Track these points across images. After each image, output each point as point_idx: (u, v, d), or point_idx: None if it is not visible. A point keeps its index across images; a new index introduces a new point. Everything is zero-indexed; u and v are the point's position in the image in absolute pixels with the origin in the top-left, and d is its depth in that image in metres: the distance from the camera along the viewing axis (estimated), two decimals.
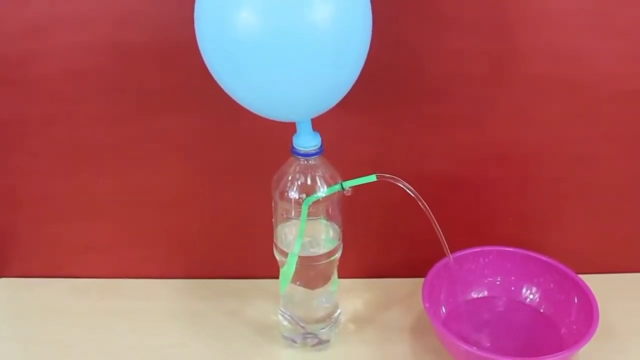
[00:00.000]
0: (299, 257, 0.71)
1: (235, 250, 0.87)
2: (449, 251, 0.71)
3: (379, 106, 0.78)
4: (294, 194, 0.70)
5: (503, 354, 0.67)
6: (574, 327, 0.74)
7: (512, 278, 0.81)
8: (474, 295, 0.81)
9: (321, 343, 0.77)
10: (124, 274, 0.89)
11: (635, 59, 0.76)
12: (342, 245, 0.74)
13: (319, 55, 0.59)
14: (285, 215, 0.72)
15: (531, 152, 0.81)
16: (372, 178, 0.67)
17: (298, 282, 0.74)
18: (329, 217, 0.73)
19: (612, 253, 0.87)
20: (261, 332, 0.80)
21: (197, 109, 0.79)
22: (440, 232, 0.69)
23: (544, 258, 0.79)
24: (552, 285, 0.79)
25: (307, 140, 0.68)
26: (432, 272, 0.76)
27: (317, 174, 0.70)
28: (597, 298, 0.73)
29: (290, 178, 0.70)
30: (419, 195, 0.67)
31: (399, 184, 0.67)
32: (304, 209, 0.68)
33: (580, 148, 0.81)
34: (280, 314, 0.78)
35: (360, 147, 0.81)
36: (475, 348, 0.67)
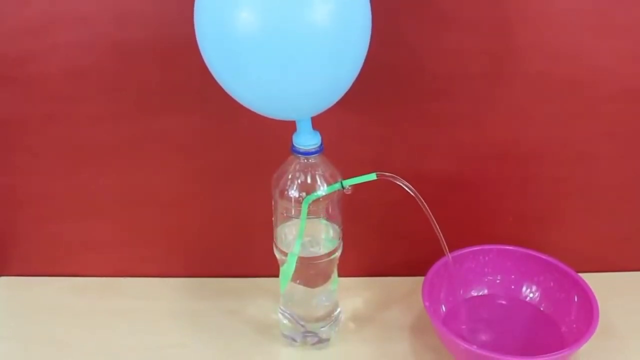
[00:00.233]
0: (299, 256, 0.71)
1: (235, 249, 0.87)
2: (447, 250, 0.71)
3: (378, 105, 0.78)
4: (294, 193, 0.70)
5: (503, 353, 0.67)
6: (574, 325, 0.74)
7: (512, 277, 0.81)
8: (474, 293, 0.81)
9: (321, 342, 0.77)
10: (124, 273, 0.89)
11: (635, 58, 0.76)
12: (342, 244, 0.75)
13: (318, 54, 0.59)
14: (285, 214, 0.72)
15: (531, 151, 0.81)
16: (372, 177, 0.67)
17: (298, 281, 0.74)
18: (329, 217, 0.73)
19: (612, 252, 0.87)
20: (261, 330, 0.80)
21: (197, 108, 0.79)
22: (439, 231, 0.69)
23: (544, 257, 0.79)
24: (552, 284, 0.79)
25: (307, 139, 0.68)
26: (432, 271, 0.76)
27: (317, 172, 0.70)
28: (597, 297, 0.73)
29: (290, 177, 0.70)
30: (418, 194, 0.67)
31: (398, 183, 0.67)
32: (304, 208, 0.68)
33: (581, 147, 0.81)
34: (281, 313, 0.78)
35: (360, 145, 0.81)
36: (475, 347, 0.67)
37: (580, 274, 0.76)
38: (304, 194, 0.69)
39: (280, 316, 0.78)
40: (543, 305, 0.79)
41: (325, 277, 0.75)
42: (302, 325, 0.76)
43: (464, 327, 0.75)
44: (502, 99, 0.78)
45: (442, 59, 0.76)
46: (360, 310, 0.83)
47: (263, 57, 0.58)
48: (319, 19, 0.58)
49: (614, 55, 0.76)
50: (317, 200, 0.69)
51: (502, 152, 0.81)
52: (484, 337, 0.76)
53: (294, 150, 0.69)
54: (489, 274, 0.81)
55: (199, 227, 0.87)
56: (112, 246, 0.88)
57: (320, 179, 0.70)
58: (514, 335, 0.77)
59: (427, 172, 0.82)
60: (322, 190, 0.69)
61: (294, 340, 0.77)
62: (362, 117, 0.79)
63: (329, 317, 0.77)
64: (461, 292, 0.80)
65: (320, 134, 0.69)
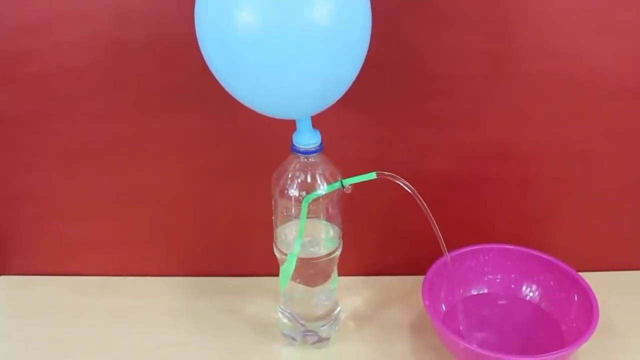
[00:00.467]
0: (299, 257, 0.71)
1: (235, 248, 0.87)
2: (445, 249, 0.71)
3: (379, 104, 0.78)
4: (294, 192, 0.70)
5: (503, 352, 0.67)
6: (574, 324, 0.74)
7: (512, 276, 0.81)
8: (474, 292, 0.81)
9: (321, 341, 0.77)
10: (124, 272, 0.89)
11: (635, 57, 0.76)
12: (342, 243, 0.75)
13: (319, 53, 0.59)
14: (285, 214, 0.72)
15: (531, 150, 0.81)
16: (372, 176, 0.67)
17: (298, 280, 0.74)
18: (329, 217, 0.73)
19: (612, 251, 0.87)
20: (261, 329, 0.80)
21: (197, 107, 0.79)
22: (438, 230, 0.69)
23: (544, 256, 0.79)
24: (552, 283, 0.79)
25: (307, 138, 0.68)
26: (432, 270, 0.76)
27: (317, 171, 0.70)
28: (597, 296, 0.73)
29: (290, 176, 0.70)
30: (417, 193, 0.67)
31: (398, 182, 0.67)
32: (304, 207, 0.68)
33: (580, 146, 0.81)
34: (280, 312, 0.78)
35: (360, 145, 0.81)
36: (474, 346, 0.67)
37: (580, 273, 0.76)
38: (304, 193, 0.69)
39: (280, 315, 0.78)
40: (543, 304, 0.79)
41: (325, 276, 0.75)
42: (302, 324, 0.76)
43: (463, 326, 0.75)
44: (502, 99, 0.78)
45: (442, 59, 0.76)
46: (360, 310, 0.83)
47: (263, 56, 0.58)
48: (319, 18, 0.58)
49: (614, 54, 0.76)
50: (317, 199, 0.69)
51: (502, 152, 0.82)
52: (483, 336, 0.76)
53: (294, 149, 0.69)
54: (489, 273, 0.81)
55: (199, 226, 0.87)
56: (112, 245, 0.88)
57: (320, 178, 0.70)
58: (514, 335, 0.77)
59: (427, 171, 0.82)
60: (322, 189, 0.69)
61: (293, 339, 0.77)
62: (362, 117, 0.79)
63: (328, 316, 0.77)
64: (461, 291, 0.80)
65: (321, 133, 0.69)
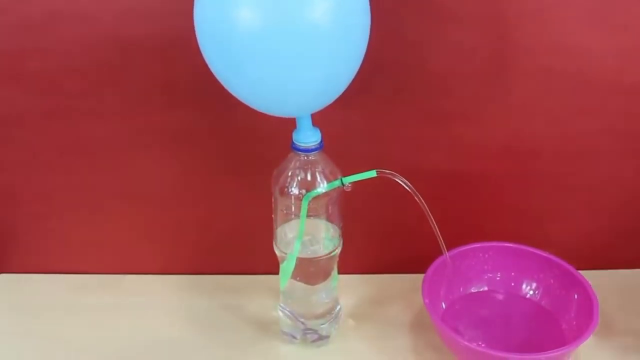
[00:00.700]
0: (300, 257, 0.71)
1: (235, 246, 0.87)
2: (444, 247, 0.71)
3: (379, 102, 0.78)
4: (294, 190, 0.70)
5: (503, 350, 0.67)
6: (574, 323, 0.74)
7: (512, 274, 0.81)
8: (474, 290, 0.81)
9: (321, 339, 0.77)
10: (124, 269, 0.89)
11: (636, 54, 0.76)
12: (342, 242, 0.74)
13: (318, 51, 0.59)
14: (285, 212, 0.72)
15: (532, 148, 0.81)
16: (372, 174, 0.67)
17: (298, 278, 0.74)
18: (329, 217, 0.73)
19: (613, 249, 0.87)
20: (261, 327, 0.80)
21: (197, 105, 0.79)
22: (437, 229, 0.69)
23: (544, 254, 0.79)
24: (552, 281, 0.79)
25: (307, 136, 0.68)
26: (432, 268, 0.76)
27: (317, 169, 0.70)
28: (597, 294, 0.73)
29: (290, 174, 0.70)
30: (416, 191, 0.67)
31: (398, 180, 0.67)
32: (304, 205, 0.68)
33: (581, 144, 0.81)
34: (280, 310, 0.78)
35: (361, 142, 0.80)
36: (474, 344, 0.67)
37: (581, 271, 0.76)
38: (304, 191, 0.69)
39: (280, 313, 0.78)
40: (543, 302, 0.79)
41: (325, 275, 0.75)
42: (302, 323, 0.76)
43: (463, 324, 0.76)
44: (502, 96, 0.78)
45: (443, 55, 0.76)
46: (360, 308, 0.83)
47: (262, 54, 0.58)
48: (317, 16, 0.58)
49: (616, 51, 0.75)
50: (317, 197, 0.69)
51: (503, 149, 0.81)
52: (483, 334, 0.76)
53: (294, 147, 0.69)
54: (488, 271, 0.81)
55: (199, 224, 0.87)
56: (112, 243, 0.88)
57: (320, 176, 0.70)
58: (513, 333, 0.77)
59: (427, 169, 0.82)
60: (322, 187, 0.69)
61: (293, 337, 0.77)
62: (362, 114, 0.79)
63: (329, 314, 0.77)
64: (461, 289, 0.80)
65: (321, 131, 0.69)
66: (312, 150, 0.68)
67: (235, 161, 0.82)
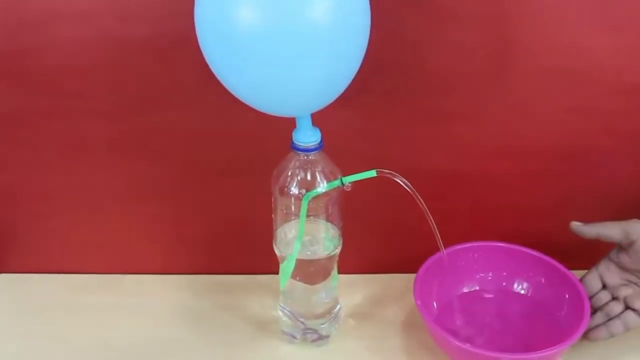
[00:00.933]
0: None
1: (235, 245, 0.87)
2: (442, 246, 0.71)
3: (379, 102, 0.78)
4: (294, 190, 0.70)
5: (494, 349, 0.67)
6: (565, 322, 0.74)
7: (504, 273, 0.81)
8: (465, 290, 0.82)
9: (321, 338, 0.77)
10: (124, 269, 0.89)
11: (636, 53, 0.76)
12: (342, 241, 0.74)
13: (318, 51, 0.59)
14: (285, 212, 0.72)
15: (532, 147, 0.81)
16: (372, 173, 0.67)
17: (298, 278, 0.74)
18: (329, 216, 0.73)
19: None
20: (261, 327, 0.80)
21: (197, 104, 0.79)
22: (435, 228, 0.69)
23: (534, 253, 0.79)
24: (543, 280, 0.79)
25: (307, 136, 0.68)
26: (423, 269, 0.76)
27: (317, 169, 0.70)
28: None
29: (290, 173, 0.70)
30: (415, 191, 0.67)
31: (397, 180, 0.67)
32: (304, 205, 0.68)
33: (580, 142, 0.81)
34: (280, 310, 0.78)
35: (360, 142, 0.80)
36: (468, 345, 0.67)
37: (581, 271, 0.76)
38: (303, 190, 0.69)
39: (280, 313, 0.78)
40: (534, 301, 0.80)
41: (325, 274, 0.75)
42: (302, 322, 0.76)
43: (456, 324, 0.76)
44: (502, 96, 0.78)
45: (442, 54, 0.76)
46: (360, 307, 0.83)
47: (262, 53, 0.58)
48: (318, 15, 0.58)
49: (615, 51, 0.75)
50: (317, 197, 0.69)
51: (503, 148, 0.81)
52: (476, 334, 0.76)
53: (293, 147, 0.69)
54: (480, 271, 0.82)
55: (199, 224, 0.87)
56: (112, 243, 0.88)
57: (320, 176, 0.70)
58: (505, 331, 0.77)
59: (427, 168, 0.82)
60: (322, 187, 0.69)
61: (293, 337, 0.77)
62: (362, 114, 0.79)
63: (328, 314, 0.77)
64: (453, 289, 0.80)
65: (320, 131, 0.69)
66: (312, 150, 0.68)
67: (235, 161, 0.82)
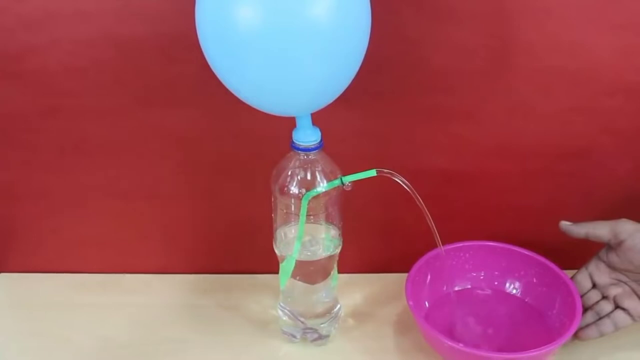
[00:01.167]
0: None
1: (234, 244, 0.87)
2: (441, 245, 0.71)
3: (379, 101, 0.78)
4: (293, 189, 0.70)
5: (486, 348, 0.68)
6: (557, 321, 0.75)
7: (496, 273, 0.82)
8: (458, 289, 0.82)
9: (321, 338, 0.77)
10: (124, 268, 0.89)
11: (636, 53, 0.76)
12: (341, 241, 0.75)
13: (318, 50, 0.59)
14: (285, 211, 0.72)
15: (532, 146, 0.81)
16: (372, 173, 0.67)
17: (298, 277, 0.74)
18: (329, 218, 0.73)
19: None
20: (261, 327, 0.80)
21: (197, 104, 0.79)
22: (434, 227, 0.69)
23: (526, 252, 0.79)
24: (535, 280, 0.79)
25: (306, 135, 0.68)
26: (414, 269, 0.77)
27: (316, 168, 0.70)
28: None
29: (290, 173, 0.70)
30: (414, 190, 0.67)
31: (396, 179, 0.67)
32: (304, 204, 0.68)
33: (580, 142, 0.81)
34: (280, 309, 0.78)
35: (360, 141, 0.80)
36: (461, 345, 0.67)
37: (575, 271, 0.77)
38: (303, 190, 0.69)
39: (280, 312, 0.78)
40: (526, 300, 0.80)
41: (325, 274, 0.75)
42: (302, 322, 0.76)
43: (447, 323, 0.76)
44: (502, 95, 0.78)
45: (442, 53, 0.76)
46: (360, 307, 0.83)
47: (263, 53, 0.58)
48: (318, 15, 0.58)
49: (615, 50, 0.75)
50: (317, 197, 0.69)
51: (502, 148, 0.81)
52: (468, 333, 0.76)
53: (293, 146, 0.69)
54: (472, 270, 0.82)
55: (199, 223, 0.87)
56: (111, 242, 0.88)
57: (320, 175, 0.70)
58: (498, 331, 0.77)
59: (427, 167, 0.82)
60: (322, 186, 0.69)
61: (293, 336, 0.77)
62: (362, 113, 0.79)
63: (328, 313, 0.77)
64: (445, 288, 0.80)
65: (320, 130, 0.69)
66: (312, 149, 0.68)
67: (235, 160, 0.82)
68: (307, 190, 0.69)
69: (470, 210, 0.85)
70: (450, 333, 0.75)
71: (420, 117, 0.80)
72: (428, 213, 0.68)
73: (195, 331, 0.80)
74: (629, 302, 0.72)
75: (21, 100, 0.79)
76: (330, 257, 0.74)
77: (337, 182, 0.69)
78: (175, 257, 0.89)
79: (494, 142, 0.81)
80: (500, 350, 0.71)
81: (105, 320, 0.81)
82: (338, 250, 0.74)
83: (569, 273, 0.76)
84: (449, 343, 0.67)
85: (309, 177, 0.70)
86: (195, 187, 0.84)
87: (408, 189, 0.67)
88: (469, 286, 0.82)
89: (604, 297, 0.74)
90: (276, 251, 0.74)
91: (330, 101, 0.65)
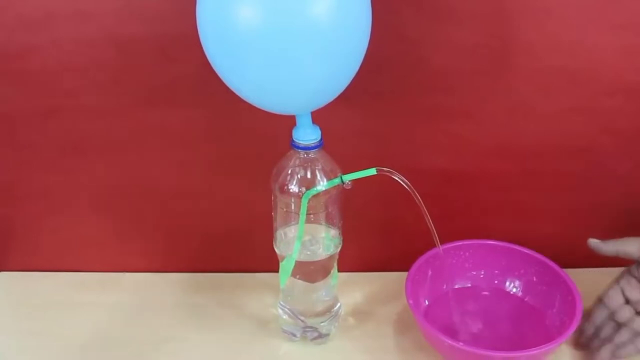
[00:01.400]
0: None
1: (235, 243, 0.87)
2: (439, 245, 0.71)
3: (379, 100, 0.78)
4: (293, 188, 0.70)
5: (486, 347, 0.68)
6: (557, 320, 0.74)
7: (496, 271, 0.82)
8: (458, 288, 0.82)
9: (321, 337, 0.77)
10: (124, 268, 0.89)
11: (636, 53, 0.76)
12: (341, 240, 0.75)
13: (319, 49, 0.59)
14: (285, 210, 0.72)
15: (532, 146, 0.81)
16: (372, 171, 0.67)
17: (298, 276, 0.74)
18: (329, 217, 0.73)
19: None
20: (261, 325, 0.80)
21: (197, 102, 0.79)
22: (432, 226, 0.69)
23: (526, 251, 0.79)
24: (534, 279, 0.79)
25: (306, 134, 0.68)
26: (414, 267, 0.77)
27: (316, 167, 0.70)
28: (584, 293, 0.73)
29: (290, 171, 0.70)
30: (413, 189, 0.67)
31: (396, 178, 0.67)
32: (304, 203, 0.68)
33: (580, 142, 0.81)
34: (280, 308, 0.78)
35: (360, 140, 0.81)
36: (461, 343, 0.67)
37: (579, 269, 0.76)
38: (303, 189, 0.69)
39: (280, 311, 0.78)
40: (526, 299, 0.80)
41: (325, 272, 0.75)
42: (302, 321, 0.76)
43: (447, 322, 0.76)
44: (502, 94, 0.78)
45: (442, 53, 0.76)
46: (360, 305, 0.83)
47: (263, 51, 0.58)
48: (319, 14, 0.58)
49: (615, 50, 0.75)
50: (317, 196, 0.69)
51: (502, 148, 0.81)
52: (468, 331, 0.76)
53: (293, 145, 0.69)
54: (472, 269, 0.82)
55: (199, 222, 0.87)
56: (111, 241, 0.88)
57: (320, 174, 0.70)
58: (497, 329, 0.77)
59: (427, 167, 0.82)
60: (322, 185, 0.69)
61: (293, 335, 0.77)
62: (362, 112, 0.79)
63: (328, 312, 0.77)
64: (445, 287, 0.80)
65: (320, 129, 0.69)
66: (312, 148, 0.68)
67: (235, 158, 0.82)
68: (307, 188, 0.69)
69: (470, 209, 0.85)
70: (450, 332, 0.75)
71: (420, 117, 0.80)
72: (426, 212, 0.68)
73: (195, 330, 0.80)
74: None
75: (21, 100, 0.79)
76: (331, 256, 0.74)
77: (337, 181, 0.69)
78: (175, 256, 0.89)
79: (494, 142, 0.81)
80: (500, 349, 0.71)
81: (105, 319, 0.81)
82: (338, 250, 0.74)
83: (569, 272, 0.76)
84: (449, 342, 0.67)
85: (309, 175, 0.70)
86: (195, 185, 0.84)
87: (407, 188, 0.67)
88: (469, 285, 0.82)
89: (638, 313, 0.72)
90: (276, 251, 0.74)
91: (331, 100, 0.65)
